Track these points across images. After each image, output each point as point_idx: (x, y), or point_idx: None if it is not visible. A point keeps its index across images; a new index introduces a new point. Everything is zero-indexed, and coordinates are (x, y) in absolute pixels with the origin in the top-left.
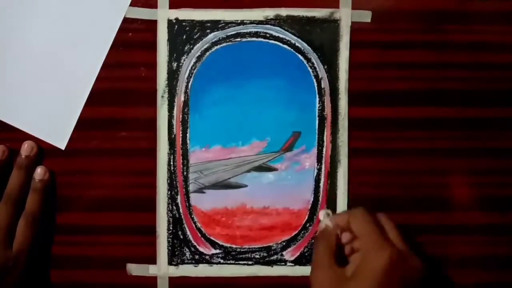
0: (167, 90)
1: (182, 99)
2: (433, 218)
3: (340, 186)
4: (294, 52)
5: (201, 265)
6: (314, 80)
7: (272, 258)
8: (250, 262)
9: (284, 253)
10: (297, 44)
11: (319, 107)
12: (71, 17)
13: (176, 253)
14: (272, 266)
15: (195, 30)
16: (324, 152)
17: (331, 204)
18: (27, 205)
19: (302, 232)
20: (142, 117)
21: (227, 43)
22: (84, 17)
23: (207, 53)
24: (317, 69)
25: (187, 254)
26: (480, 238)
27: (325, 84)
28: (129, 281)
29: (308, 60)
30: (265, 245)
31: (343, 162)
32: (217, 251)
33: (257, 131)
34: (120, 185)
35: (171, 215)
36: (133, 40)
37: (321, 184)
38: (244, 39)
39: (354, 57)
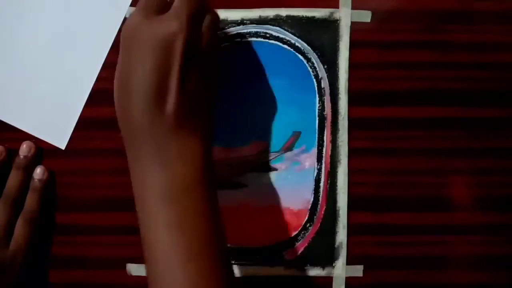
0: None
1: None
2: (433, 218)
3: (340, 186)
4: (294, 52)
5: None
6: (314, 80)
7: (272, 258)
8: (250, 262)
9: (284, 253)
10: (297, 44)
11: (319, 107)
12: (71, 18)
13: None
14: (272, 266)
15: None
16: (324, 152)
17: (331, 204)
18: (26, 205)
19: (302, 232)
20: None
21: (227, 43)
22: (84, 17)
23: None
24: (317, 69)
25: None
26: (480, 238)
27: (325, 84)
28: (129, 281)
29: (308, 60)
30: (265, 245)
31: (343, 162)
32: None
33: (257, 131)
34: (120, 185)
35: None
36: None
37: (321, 184)
38: (244, 39)
39: (354, 57)
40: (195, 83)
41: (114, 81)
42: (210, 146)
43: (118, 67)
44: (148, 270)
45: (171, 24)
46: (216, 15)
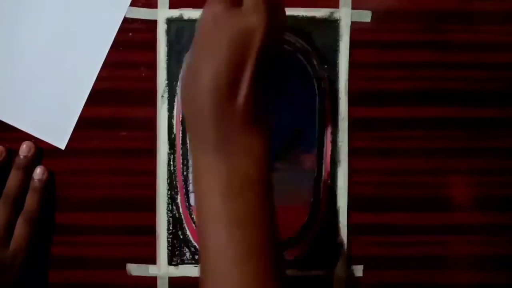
0: (167, 90)
1: None
2: (433, 218)
3: (340, 186)
4: (294, 52)
5: None
6: (314, 80)
7: None
8: None
9: (284, 253)
10: (297, 44)
11: (319, 107)
12: (71, 17)
13: (176, 253)
14: None
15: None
16: (324, 152)
17: (331, 204)
18: (26, 205)
19: (302, 232)
20: (142, 117)
21: None
22: (84, 17)
23: None
24: (317, 69)
25: (187, 254)
26: (480, 238)
27: (325, 84)
28: (129, 281)
29: (308, 60)
30: None
31: (343, 162)
32: None
33: None
34: (120, 185)
35: (171, 215)
36: (133, 40)
37: (321, 184)
38: None
39: (354, 57)
40: (266, 79)
41: (184, 69)
42: (272, 144)
43: (190, 54)
44: (201, 266)
45: (252, 18)
46: (284, 9)
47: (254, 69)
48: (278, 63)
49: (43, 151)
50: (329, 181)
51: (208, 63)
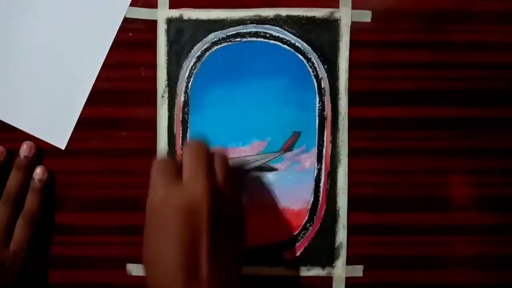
0: (167, 90)
1: (182, 99)
2: (433, 218)
3: (340, 186)
4: (294, 52)
5: None
6: (314, 80)
7: (272, 258)
8: (250, 262)
9: (284, 253)
10: (297, 44)
11: (319, 107)
12: (71, 17)
13: None
14: (272, 266)
15: (195, 30)
16: (324, 152)
17: (331, 204)
18: (26, 205)
19: (302, 232)
20: (142, 117)
21: (227, 43)
22: (84, 17)
23: (207, 53)
24: (317, 69)
25: None
26: (480, 238)
27: (325, 84)
28: (129, 281)
29: (308, 60)
30: (265, 245)
31: (343, 162)
32: None
33: (257, 131)
34: (120, 185)
35: None
36: (133, 40)
37: (321, 184)
38: (244, 39)
39: (354, 57)
40: (225, 246)
41: (143, 254)
42: None
43: (146, 240)
44: None
45: (192, 190)
46: (222, 153)
47: (208, 241)
48: (240, 222)
49: (43, 151)
50: (329, 181)
51: (163, 246)
